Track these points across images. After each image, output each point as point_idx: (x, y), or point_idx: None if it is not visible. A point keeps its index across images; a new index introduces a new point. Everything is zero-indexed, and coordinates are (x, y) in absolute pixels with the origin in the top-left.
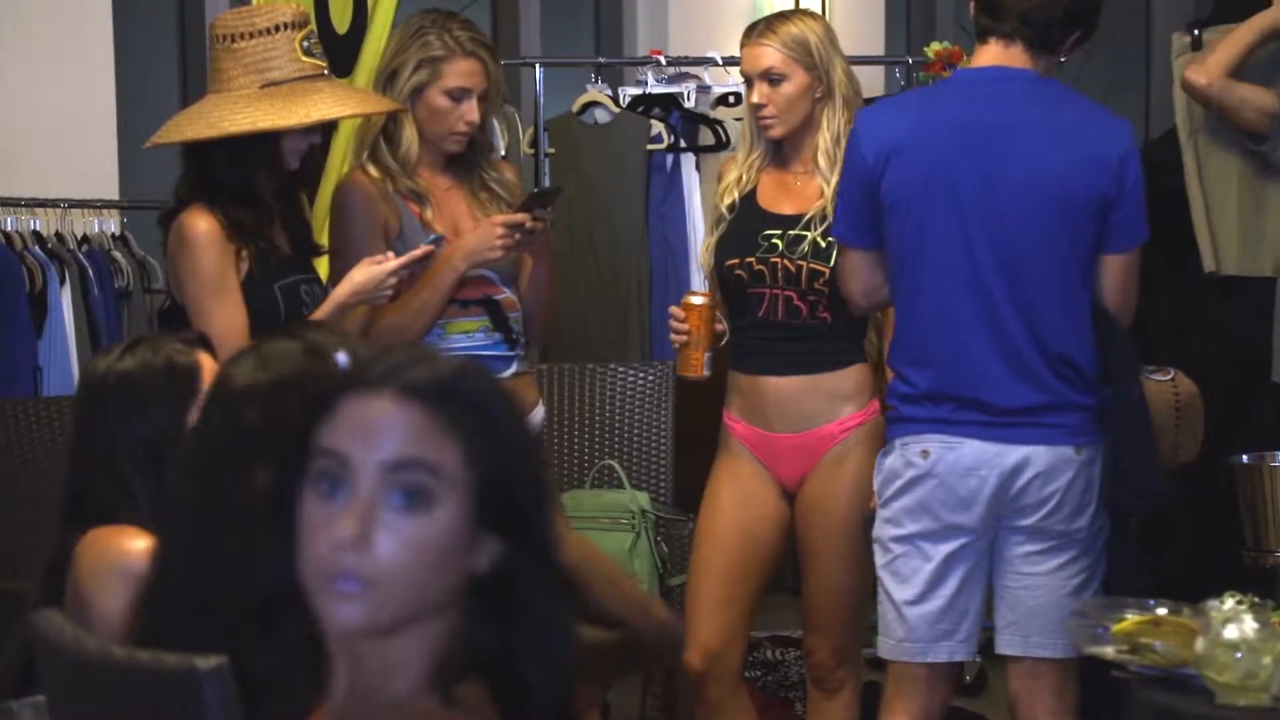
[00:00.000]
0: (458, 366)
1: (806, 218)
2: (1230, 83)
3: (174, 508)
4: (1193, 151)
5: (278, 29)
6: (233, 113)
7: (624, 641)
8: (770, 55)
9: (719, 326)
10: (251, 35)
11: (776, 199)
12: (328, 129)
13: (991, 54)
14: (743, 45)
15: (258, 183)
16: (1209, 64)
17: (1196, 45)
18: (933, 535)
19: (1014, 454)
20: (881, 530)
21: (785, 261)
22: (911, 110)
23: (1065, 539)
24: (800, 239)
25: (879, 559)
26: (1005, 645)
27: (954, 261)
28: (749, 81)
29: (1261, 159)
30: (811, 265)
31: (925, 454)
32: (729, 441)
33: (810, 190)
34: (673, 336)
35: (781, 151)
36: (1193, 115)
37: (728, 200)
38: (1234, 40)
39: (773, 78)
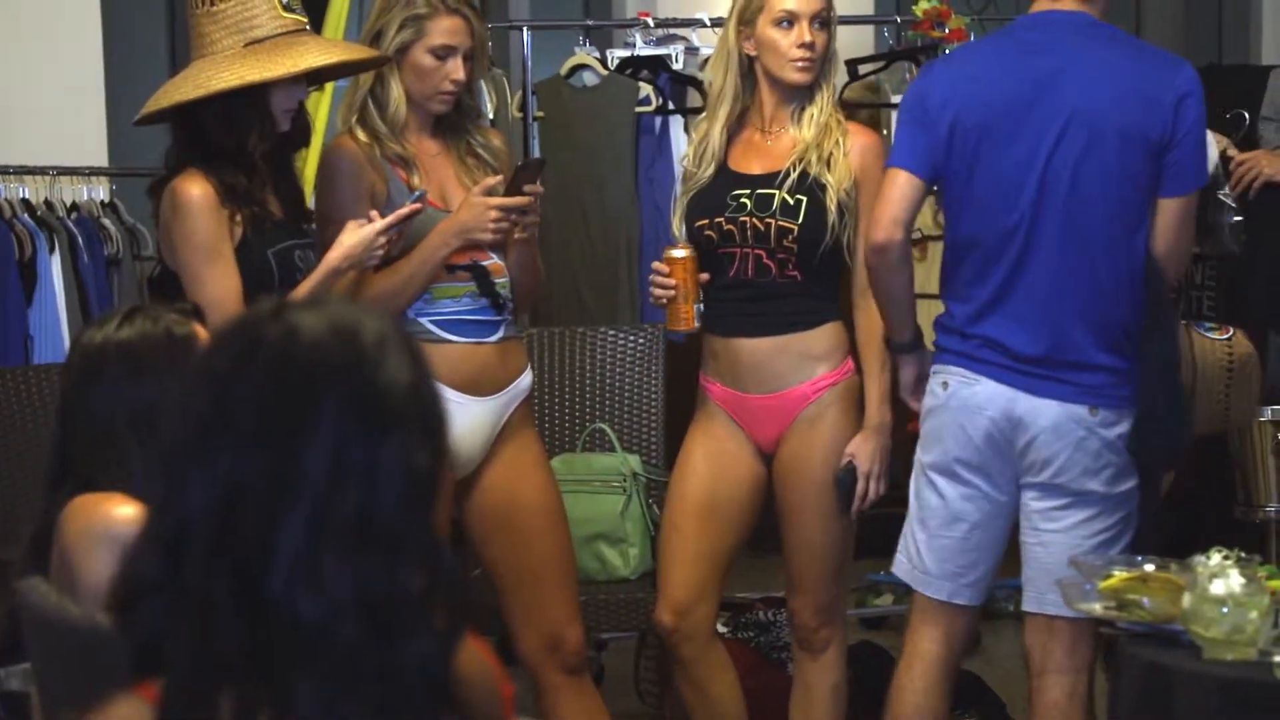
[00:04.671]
0: None
1: (777, 177)
2: None
3: None
4: None
5: None
6: (219, 72)
7: None
8: None
9: (703, 276)
10: None
11: (746, 159)
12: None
13: (1044, 2)
14: None
15: (251, 145)
16: None
17: None
18: (944, 470)
19: (1025, 403)
20: (917, 454)
21: (754, 220)
22: (973, 58)
23: (1080, 497)
24: (770, 197)
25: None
26: (1025, 601)
27: (1000, 204)
28: (784, 23)
29: None
30: (780, 223)
31: (945, 385)
32: (705, 403)
33: (780, 149)
34: (657, 292)
35: (760, 107)
36: None
37: (708, 164)
38: None
39: (822, 19)
